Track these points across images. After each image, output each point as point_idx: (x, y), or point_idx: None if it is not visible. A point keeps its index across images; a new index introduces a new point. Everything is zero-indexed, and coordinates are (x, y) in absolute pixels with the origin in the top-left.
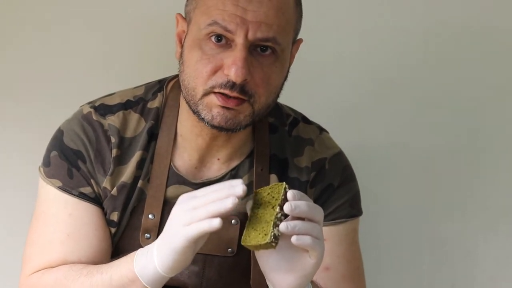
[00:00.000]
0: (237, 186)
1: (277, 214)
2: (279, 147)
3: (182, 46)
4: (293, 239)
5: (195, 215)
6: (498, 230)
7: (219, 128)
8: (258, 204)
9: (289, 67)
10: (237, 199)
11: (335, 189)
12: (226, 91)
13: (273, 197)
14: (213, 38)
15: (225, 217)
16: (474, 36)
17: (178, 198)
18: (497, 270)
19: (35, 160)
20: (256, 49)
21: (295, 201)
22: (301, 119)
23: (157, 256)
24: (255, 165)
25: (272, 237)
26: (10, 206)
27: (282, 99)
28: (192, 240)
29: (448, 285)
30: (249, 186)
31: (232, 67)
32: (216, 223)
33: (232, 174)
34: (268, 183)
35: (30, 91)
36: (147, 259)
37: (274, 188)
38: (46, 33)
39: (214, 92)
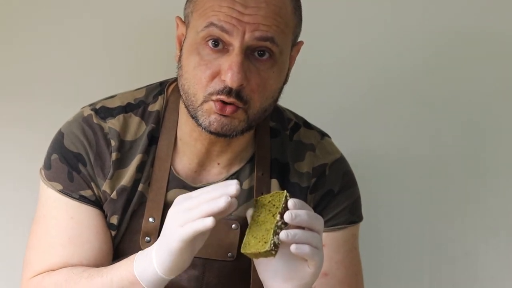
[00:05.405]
0: (231, 186)
1: (277, 222)
2: (280, 151)
3: (181, 50)
4: (292, 247)
5: (189, 215)
6: (499, 231)
7: (215, 134)
8: (258, 212)
9: (289, 70)
10: (230, 198)
11: (335, 195)
12: (223, 97)
13: (274, 205)
14: (210, 43)
15: (222, 218)
16: (475, 40)
17: (175, 199)
18: (497, 270)
19: (35, 159)
20: (253, 54)
21: (296, 210)
22: (302, 124)
23: (155, 258)
24: (255, 169)
25: (272, 245)
26: (10, 206)
27: (283, 103)
28: (187, 240)
29: (448, 285)
30: (250, 191)
31: (228, 72)
32: (209, 222)
33: (233, 179)
34: (269, 188)
35: (30, 91)
36: (146, 261)
37: (275, 196)
38: (46, 33)
39: (213, 100)
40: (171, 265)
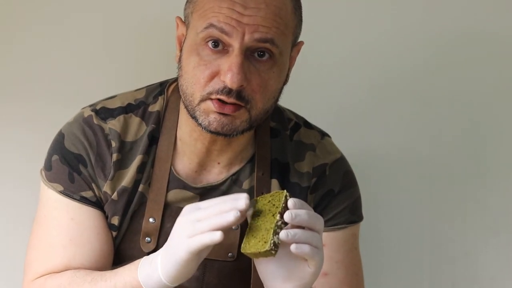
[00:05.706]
0: (241, 200)
1: (277, 222)
2: (280, 151)
3: (181, 50)
4: (292, 247)
5: (198, 227)
6: (499, 231)
7: (216, 133)
8: (258, 212)
9: (289, 70)
10: (239, 213)
11: (335, 195)
12: (223, 97)
13: (274, 204)
14: (210, 44)
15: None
16: (475, 40)
17: (183, 208)
18: (497, 270)
19: (35, 159)
20: (253, 55)
21: (296, 210)
22: (302, 124)
23: (161, 266)
24: (256, 169)
25: (272, 245)
26: (10, 206)
27: (284, 103)
28: (194, 252)
29: (448, 285)
30: (250, 191)
31: (228, 73)
32: (218, 236)
33: (233, 179)
34: (269, 188)
35: (30, 91)
36: (151, 268)
37: (275, 195)
38: (46, 33)
39: (211, 98)
40: (176, 274)
